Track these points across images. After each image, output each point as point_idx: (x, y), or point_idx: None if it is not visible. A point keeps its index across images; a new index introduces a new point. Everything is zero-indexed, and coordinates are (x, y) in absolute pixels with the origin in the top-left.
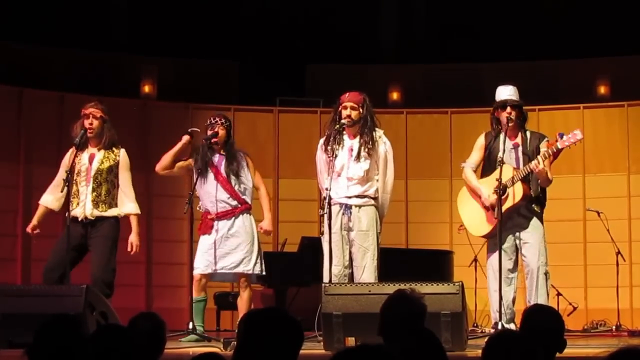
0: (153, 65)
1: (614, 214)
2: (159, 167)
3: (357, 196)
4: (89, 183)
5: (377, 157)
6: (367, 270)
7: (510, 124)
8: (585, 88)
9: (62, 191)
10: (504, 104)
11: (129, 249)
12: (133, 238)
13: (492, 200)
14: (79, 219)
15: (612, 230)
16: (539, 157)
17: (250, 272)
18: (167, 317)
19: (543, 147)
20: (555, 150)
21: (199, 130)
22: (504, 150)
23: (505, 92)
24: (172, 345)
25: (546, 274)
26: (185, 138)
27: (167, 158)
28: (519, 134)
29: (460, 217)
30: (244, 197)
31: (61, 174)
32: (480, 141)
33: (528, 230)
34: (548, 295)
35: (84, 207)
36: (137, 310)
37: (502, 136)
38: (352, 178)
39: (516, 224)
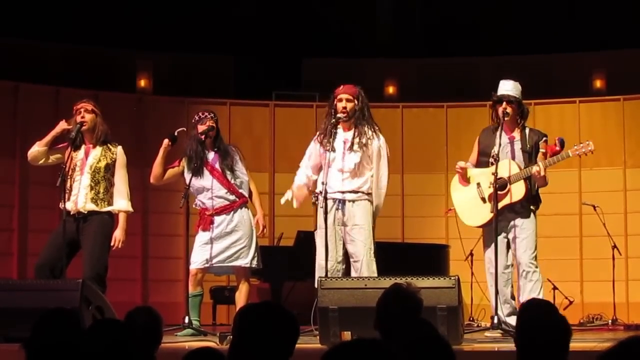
0: (149, 60)
1: (610, 208)
2: (152, 178)
3: (352, 191)
4: (83, 175)
5: (370, 152)
6: (365, 264)
7: (505, 119)
8: (581, 82)
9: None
10: (500, 99)
11: (112, 244)
12: (118, 233)
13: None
14: (71, 213)
15: (608, 224)
16: (540, 163)
17: (248, 265)
18: (163, 312)
19: (542, 149)
20: (563, 158)
21: (185, 129)
22: (500, 145)
23: (504, 87)
24: (168, 339)
25: (537, 267)
26: (165, 142)
27: (156, 168)
28: (516, 129)
29: (453, 201)
30: (240, 190)
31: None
32: (477, 140)
33: (522, 226)
34: (542, 287)
35: (77, 201)
36: (133, 305)
37: (498, 130)
38: (343, 170)
39: (510, 218)
